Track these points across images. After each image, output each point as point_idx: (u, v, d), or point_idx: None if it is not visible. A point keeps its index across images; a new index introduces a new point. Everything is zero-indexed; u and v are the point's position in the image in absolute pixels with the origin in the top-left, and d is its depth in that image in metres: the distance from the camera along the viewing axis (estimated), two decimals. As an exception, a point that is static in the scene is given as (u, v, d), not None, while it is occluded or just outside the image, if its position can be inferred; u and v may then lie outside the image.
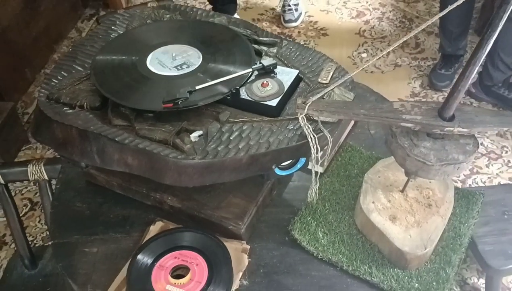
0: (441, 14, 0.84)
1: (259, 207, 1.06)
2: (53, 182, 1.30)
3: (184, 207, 1.05)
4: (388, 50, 0.85)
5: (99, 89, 0.97)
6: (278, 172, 0.95)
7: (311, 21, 2.82)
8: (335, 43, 2.68)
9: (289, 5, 2.69)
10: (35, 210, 1.93)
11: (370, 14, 2.84)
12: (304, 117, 0.89)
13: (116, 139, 0.91)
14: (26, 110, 2.38)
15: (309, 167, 0.98)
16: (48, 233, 1.84)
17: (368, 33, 2.73)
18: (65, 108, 0.99)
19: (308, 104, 0.88)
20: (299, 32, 2.72)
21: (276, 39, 1.12)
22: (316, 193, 0.98)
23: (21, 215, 1.94)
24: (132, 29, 1.15)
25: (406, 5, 2.87)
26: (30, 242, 1.86)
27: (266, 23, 2.79)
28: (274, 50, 1.09)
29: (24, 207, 1.97)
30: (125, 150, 0.91)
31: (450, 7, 0.81)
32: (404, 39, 0.87)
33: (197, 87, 0.94)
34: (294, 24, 2.70)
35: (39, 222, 1.90)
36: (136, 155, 0.91)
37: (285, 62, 1.07)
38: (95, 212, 1.12)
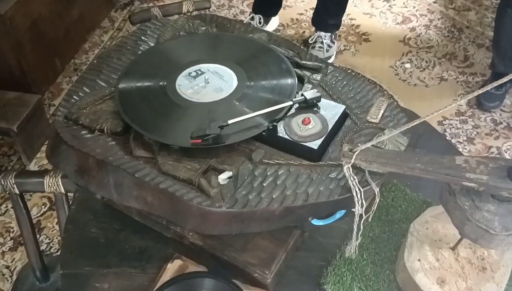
0: None
1: (289, 251, 0.95)
2: (70, 194, 1.22)
3: (206, 246, 0.95)
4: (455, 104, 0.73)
5: (122, 116, 0.88)
6: (314, 222, 0.85)
7: (353, 25, 2.68)
8: (377, 51, 2.53)
9: (321, 43, 2.37)
10: (53, 210, 1.87)
11: (417, 21, 2.68)
12: (350, 167, 0.77)
13: (136, 175, 0.82)
14: (53, 102, 2.32)
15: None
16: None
17: (413, 42, 2.57)
18: (83, 131, 0.90)
19: (356, 153, 0.77)
20: (339, 36, 2.58)
21: (320, 64, 1.01)
22: (356, 248, 0.87)
23: (39, 214, 1.89)
24: (163, 43, 1.05)
25: (457, 13, 2.69)
26: (47, 245, 1.81)
27: (305, 24, 2.66)
28: (318, 77, 0.98)
29: (43, 206, 1.91)
30: (145, 187, 0.82)
31: None
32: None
33: (229, 122, 0.84)
34: None
35: (57, 223, 1.84)
36: (156, 194, 0.81)
37: (330, 92, 0.95)
38: (111, 240, 1.03)
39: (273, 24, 2.61)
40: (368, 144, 0.77)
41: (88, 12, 2.57)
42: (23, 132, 1.98)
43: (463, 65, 2.45)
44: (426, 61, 2.45)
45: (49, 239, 1.81)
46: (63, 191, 1.25)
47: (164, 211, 0.82)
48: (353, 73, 0.99)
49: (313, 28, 2.47)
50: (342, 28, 2.61)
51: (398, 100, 2.40)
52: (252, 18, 2.52)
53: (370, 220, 0.82)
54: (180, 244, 0.99)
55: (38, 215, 1.87)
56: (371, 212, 0.81)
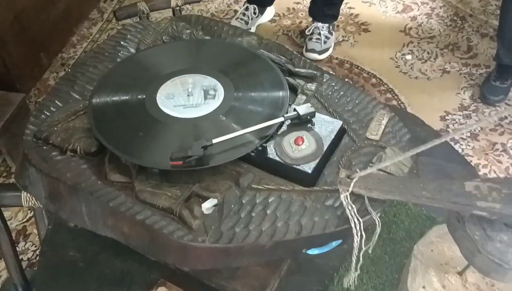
0: None
1: (283, 278, 0.87)
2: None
3: (193, 272, 0.87)
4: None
5: (96, 136, 0.79)
6: (308, 251, 0.77)
7: (351, 14, 2.57)
8: (377, 42, 2.43)
9: (319, 34, 2.26)
10: (40, 215, 1.79)
11: (418, 9, 2.57)
12: (348, 196, 0.69)
13: (110, 204, 0.73)
14: (39, 100, 2.22)
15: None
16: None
17: (415, 32, 2.47)
18: (54, 152, 0.81)
19: (355, 180, 0.68)
20: (338, 26, 2.48)
21: (315, 72, 0.92)
22: (355, 280, 0.79)
23: (25, 220, 1.81)
24: (142, 51, 0.96)
25: (459, 0, 2.59)
26: (33, 253, 1.74)
27: (302, 13, 2.56)
28: (313, 86, 0.89)
29: (29, 211, 1.83)
30: (120, 217, 0.74)
31: None
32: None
33: (214, 141, 0.75)
34: (316, 56, 2.24)
35: (44, 228, 1.76)
36: (133, 226, 0.73)
37: (325, 104, 0.87)
38: (90, 263, 0.95)
39: (268, 14, 2.50)
40: (368, 171, 0.68)
41: (76, 3, 2.47)
42: (7, 133, 1.89)
43: (466, 56, 2.36)
44: (428, 53, 2.35)
45: (35, 246, 1.74)
46: (41, 205, 1.17)
47: (142, 243, 0.74)
48: (350, 83, 0.91)
49: (311, 18, 2.37)
50: (340, 18, 2.51)
51: (398, 94, 2.31)
52: (247, 9, 2.42)
53: (370, 252, 0.74)
54: (165, 268, 0.91)
55: (24, 220, 1.80)
56: (371, 242, 0.73)
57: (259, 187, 0.75)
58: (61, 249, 0.97)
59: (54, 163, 0.79)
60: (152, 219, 0.71)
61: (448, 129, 2.02)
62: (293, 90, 0.90)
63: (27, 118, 2.02)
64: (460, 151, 1.94)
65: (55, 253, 0.96)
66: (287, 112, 0.82)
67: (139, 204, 0.74)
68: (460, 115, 2.08)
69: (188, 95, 0.85)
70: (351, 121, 0.84)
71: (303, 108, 0.80)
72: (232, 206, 0.72)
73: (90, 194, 0.75)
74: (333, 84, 0.90)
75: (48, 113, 0.87)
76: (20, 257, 1.72)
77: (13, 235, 1.77)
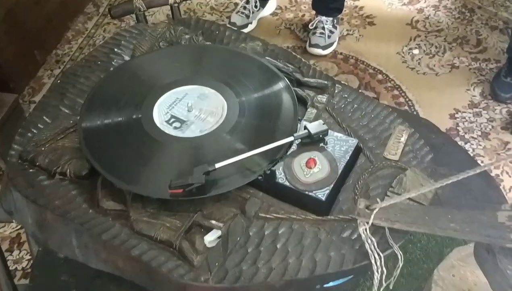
0: None
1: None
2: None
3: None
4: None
5: (88, 159, 0.72)
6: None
7: (356, 6, 2.48)
8: (383, 36, 2.34)
9: (322, 28, 2.17)
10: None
11: (425, 1, 2.48)
12: (368, 229, 0.62)
13: (103, 237, 0.66)
14: (33, 98, 2.14)
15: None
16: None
17: (422, 25, 2.38)
18: (41, 176, 0.74)
19: (375, 211, 0.61)
20: (342, 19, 2.39)
21: (326, 82, 0.84)
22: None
23: (19, 227, 1.74)
24: (138, 58, 0.88)
25: (467, -9, 2.49)
26: (27, 262, 1.67)
27: (305, 6, 2.47)
28: (324, 99, 0.81)
29: (24, 217, 1.75)
30: (114, 251, 0.67)
31: None
32: None
33: (217, 166, 0.68)
34: (320, 51, 2.15)
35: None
36: (129, 260, 0.66)
37: (338, 119, 0.79)
38: (83, 288, 0.88)
39: (270, 7, 2.41)
40: (390, 201, 0.61)
41: (71, -2, 2.38)
42: (1, 135, 1.82)
43: (475, 50, 2.27)
44: (436, 47, 2.27)
45: (30, 255, 1.67)
46: (28, 233, 1.10)
47: (139, 279, 0.67)
48: (365, 94, 0.83)
49: (314, 11, 2.28)
50: (345, 11, 2.42)
51: (406, 91, 2.23)
52: (248, 2, 2.33)
53: (391, 287, 0.67)
54: (165, 294, 0.85)
55: (18, 227, 1.73)
56: (392, 278, 0.66)
57: (268, 216, 0.67)
58: (53, 273, 0.90)
59: (41, 188, 0.72)
60: (149, 255, 0.64)
61: (457, 127, 1.94)
62: (303, 103, 0.82)
63: (21, 120, 1.95)
64: (470, 150, 1.87)
65: (46, 279, 0.89)
66: (297, 130, 0.75)
67: (134, 235, 0.67)
68: (470, 113, 2.00)
69: (188, 111, 0.78)
70: (366, 138, 0.76)
71: (314, 126, 0.73)
72: (238, 238, 0.65)
73: (81, 224, 0.68)
74: (346, 95, 0.82)
75: (35, 131, 0.79)
76: (14, 267, 1.66)
77: (7, 243, 1.71)
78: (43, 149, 0.76)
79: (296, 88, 0.83)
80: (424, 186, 0.70)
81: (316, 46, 2.18)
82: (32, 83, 2.20)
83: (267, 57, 0.87)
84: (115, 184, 0.69)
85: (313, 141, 0.73)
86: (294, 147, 0.73)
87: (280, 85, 0.81)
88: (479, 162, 1.87)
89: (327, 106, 0.81)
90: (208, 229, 0.67)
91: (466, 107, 2.03)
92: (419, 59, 2.22)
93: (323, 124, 0.73)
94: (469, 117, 1.99)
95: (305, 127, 0.73)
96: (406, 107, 2.02)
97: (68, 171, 0.73)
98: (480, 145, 1.89)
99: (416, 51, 2.25)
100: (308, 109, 0.80)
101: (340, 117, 0.79)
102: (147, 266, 0.64)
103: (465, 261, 0.83)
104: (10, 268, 1.63)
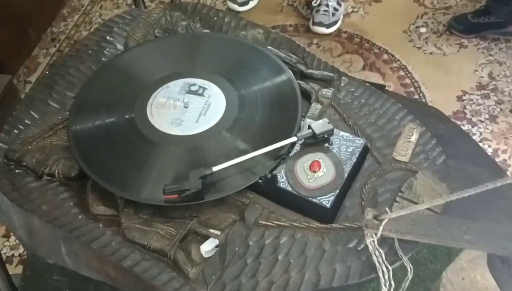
0: None
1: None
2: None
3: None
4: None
5: (77, 161, 0.67)
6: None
7: (361, -18, 2.39)
8: (389, 13, 2.26)
9: (326, 6, 2.09)
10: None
11: (432, -23, 2.39)
12: (375, 241, 0.58)
13: (93, 246, 0.62)
14: (29, 79, 2.09)
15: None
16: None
17: (429, 1, 2.30)
18: (28, 178, 0.70)
19: (384, 222, 0.57)
20: (347, -5, 2.31)
21: (331, 74, 0.79)
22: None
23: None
24: (131, 49, 0.83)
25: (476, -34, 2.40)
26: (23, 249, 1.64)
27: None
28: (329, 93, 0.76)
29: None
30: (105, 260, 0.63)
31: None
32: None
33: (214, 169, 0.64)
34: (323, 30, 2.07)
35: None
36: (121, 270, 0.62)
37: (344, 115, 0.74)
38: (76, 289, 0.85)
39: (272, -17, 2.33)
40: (401, 213, 0.57)
41: (67, -29, 2.30)
42: (-6, 118, 1.77)
43: (484, 29, 2.18)
44: (444, 25, 2.19)
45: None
46: (16, 238, 1.07)
47: (132, 289, 0.63)
48: (373, 88, 0.78)
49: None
50: (351, -13, 2.33)
51: (412, 72, 2.16)
52: (248, -24, 2.24)
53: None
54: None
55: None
56: (401, 290, 0.62)
57: (268, 224, 0.63)
58: (45, 274, 0.86)
59: (28, 192, 0.68)
60: (142, 266, 0.60)
61: (465, 110, 1.89)
62: (306, 97, 0.77)
63: (15, 101, 1.90)
64: (478, 134, 1.82)
65: (38, 279, 0.85)
66: (300, 128, 0.70)
67: (126, 244, 0.63)
68: (478, 95, 1.94)
69: (184, 107, 0.73)
70: (374, 137, 0.71)
71: (319, 126, 0.68)
72: (237, 248, 0.61)
73: (69, 232, 0.64)
74: (352, 89, 0.77)
75: (22, 127, 0.75)
76: (11, 253, 1.64)
77: (3, 229, 1.68)
78: (30, 147, 0.72)
79: (299, 81, 0.78)
80: (435, 190, 0.66)
81: (320, 24, 2.10)
82: (27, 63, 2.14)
83: (268, 47, 0.82)
84: (106, 188, 0.65)
85: (317, 142, 0.68)
86: (297, 147, 0.68)
87: (283, 78, 0.76)
88: (486, 146, 1.82)
89: (332, 101, 0.76)
90: (205, 237, 0.63)
91: (474, 89, 1.97)
92: (426, 38, 2.14)
93: (329, 123, 0.68)
94: (476, 100, 1.93)
95: (309, 127, 0.68)
96: (412, 89, 1.97)
97: (56, 171, 0.69)
98: (488, 129, 1.84)
99: (423, 30, 2.18)
100: (312, 105, 0.75)
101: (346, 113, 0.74)
102: (140, 278, 0.60)
103: (474, 263, 0.80)
104: (7, 255, 1.60)
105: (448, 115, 1.85)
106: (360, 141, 0.68)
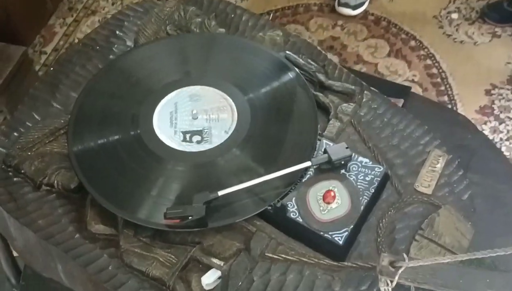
0: None
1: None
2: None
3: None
4: None
5: (78, 176, 0.64)
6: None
7: (392, -40, 2.27)
8: (419, -4, 2.15)
9: None
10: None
11: (469, -43, 2.26)
12: (390, 289, 0.53)
13: (88, 270, 0.59)
14: (44, 49, 2.05)
15: None
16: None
17: (464, -15, 2.18)
18: (26, 188, 0.66)
19: (400, 271, 0.52)
20: (375, -26, 2.20)
21: (353, 87, 0.73)
22: None
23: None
24: (139, 48, 0.77)
25: None
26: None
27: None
28: (349, 109, 0.71)
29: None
30: (101, 285, 0.60)
31: None
32: None
33: (220, 194, 0.59)
34: (349, 11, 1.98)
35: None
36: (117, 296, 0.59)
37: (363, 136, 0.69)
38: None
39: (298, -42, 2.22)
40: (420, 263, 0.52)
41: None
42: (7, 91, 1.74)
43: (520, 18, 2.07)
44: (477, 12, 2.08)
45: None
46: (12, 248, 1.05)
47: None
48: (397, 106, 0.72)
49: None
50: (378, -32, 2.22)
51: (440, 61, 2.07)
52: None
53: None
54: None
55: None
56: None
57: (275, 256, 0.59)
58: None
59: (25, 203, 0.64)
60: (139, 296, 0.57)
61: (493, 105, 1.80)
62: (324, 109, 0.72)
63: (30, 74, 1.86)
64: (505, 132, 1.73)
65: (37, 281, 0.83)
66: (316, 149, 0.65)
67: (124, 269, 0.59)
68: (508, 89, 1.85)
69: (192, 119, 0.68)
70: (396, 163, 0.66)
71: (336, 150, 0.62)
72: (240, 283, 0.57)
73: (65, 252, 0.60)
74: (375, 106, 0.71)
75: (22, 130, 0.71)
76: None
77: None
78: (29, 153, 0.68)
79: (318, 93, 0.72)
80: (459, 230, 0.60)
81: (346, 5, 2.00)
82: (43, 32, 2.09)
83: (287, 52, 0.76)
84: (106, 207, 0.61)
85: (333, 168, 0.63)
86: (310, 172, 0.63)
87: (301, 92, 0.70)
88: (513, 147, 1.74)
89: (352, 119, 0.70)
90: (207, 266, 0.59)
91: (504, 83, 1.87)
92: (458, 25, 2.04)
93: (347, 148, 0.63)
94: (506, 95, 1.84)
95: (325, 151, 0.63)
96: (439, 80, 1.88)
97: (55, 182, 0.65)
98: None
99: (455, 16, 2.07)
100: (330, 122, 0.69)
101: (367, 134, 0.69)
102: (136, 307, 0.57)
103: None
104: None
105: (474, 111, 1.77)
106: (380, 170, 0.63)
